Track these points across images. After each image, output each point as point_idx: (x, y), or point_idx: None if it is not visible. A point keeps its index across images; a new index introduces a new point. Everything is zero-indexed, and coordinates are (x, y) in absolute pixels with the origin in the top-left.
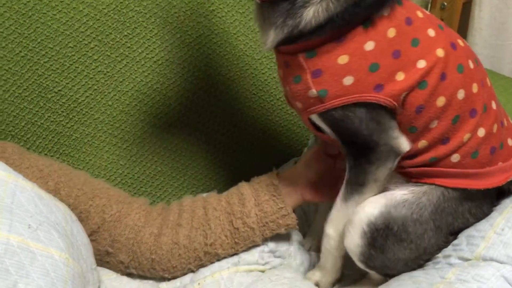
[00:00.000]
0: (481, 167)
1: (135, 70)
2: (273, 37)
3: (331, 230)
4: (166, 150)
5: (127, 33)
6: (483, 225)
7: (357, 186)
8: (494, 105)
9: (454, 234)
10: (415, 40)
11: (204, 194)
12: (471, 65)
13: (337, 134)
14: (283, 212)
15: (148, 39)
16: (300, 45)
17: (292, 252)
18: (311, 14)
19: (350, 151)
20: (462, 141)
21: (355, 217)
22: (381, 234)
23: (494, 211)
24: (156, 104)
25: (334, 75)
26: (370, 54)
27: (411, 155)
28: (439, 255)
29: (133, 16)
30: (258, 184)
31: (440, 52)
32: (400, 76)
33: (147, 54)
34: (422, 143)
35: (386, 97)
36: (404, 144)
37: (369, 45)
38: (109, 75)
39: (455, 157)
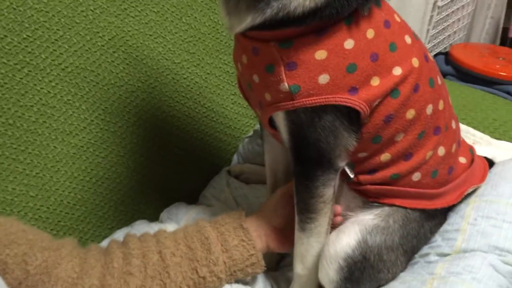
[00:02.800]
0: (439, 187)
1: (40, 80)
2: (249, 20)
3: (299, 267)
4: (81, 170)
5: (27, 35)
6: (453, 218)
7: (309, 214)
8: (453, 125)
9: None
10: (393, 45)
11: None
12: (439, 81)
13: (294, 141)
14: (253, 259)
15: (52, 43)
16: (276, 32)
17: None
18: None
19: (297, 164)
20: (425, 158)
21: (330, 249)
22: (358, 267)
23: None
24: (69, 120)
25: (310, 71)
26: (349, 53)
27: (372, 169)
28: (416, 255)
29: (33, 15)
30: (223, 227)
31: (415, 62)
32: (375, 81)
33: (52, 60)
34: (385, 156)
35: (361, 101)
36: (343, 162)
37: (349, 44)
38: (7, 87)
39: (417, 176)
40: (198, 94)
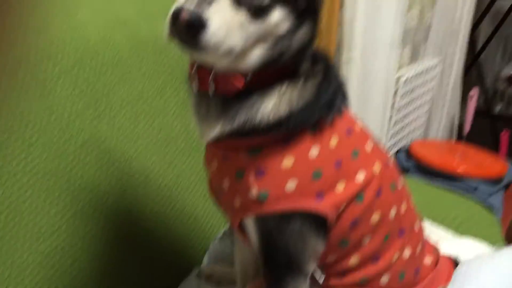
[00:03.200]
0: None
1: (11, 186)
2: (219, 128)
3: None
4: (46, 279)
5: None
6: None
7: None
8: (417, 226)
9: None
10: (355, 152)
11: None
12: (400, 185)
13: (263, 246)
14: None
15: (25, 149)
16: (245, 141)
17: None
18: (269, 107)
19: (267, 268)
20: (391, 260)
21: None
22: None
23: None
24: (37, 225)
25: (277, 178)
26: (314, 160)
27: (341, 272)
28: None
29: (7, 123)
30: None
31: (377, 168)
32: (340, 187)
33: (24, 165)
34: (354, 259)
35: (327, 207)
36: (312, 266)
37: (314, 151)
38: None
39: (385, 279)
40: (168, 196)
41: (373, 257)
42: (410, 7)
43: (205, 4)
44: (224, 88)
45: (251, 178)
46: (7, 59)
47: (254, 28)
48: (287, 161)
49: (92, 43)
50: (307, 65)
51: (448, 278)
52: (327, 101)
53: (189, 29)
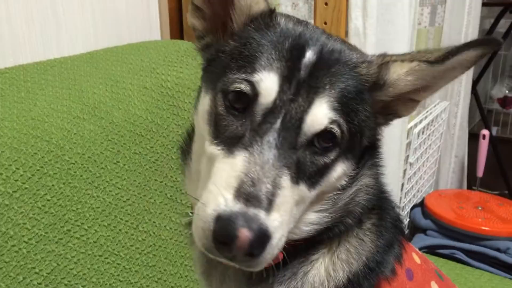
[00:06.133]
0: None
1: None
2: None
3: None
4: None
5: None
6: None
7: None
8: None
9: None
10: None
11: None
12: None
13: None
14: None
15: None
16: None
17: None
18: (321, 274)
19: None
20: None
21: None
22: None
23: None
24: None
25: None
26: None
27: None
28: None
29: None
30: None
31: None
32: None
33: None
34: None
35: None
36: None
37: None
38: None
39: None
40: (159, 267)
41: None
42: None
43: (263, 206)
44: None
45: None
46: None
47: (313, 193)
48: None
49: (54, 141)
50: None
51: None
52: (383, 249)
53: (249, 248)
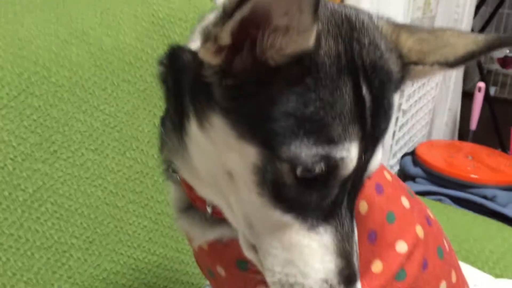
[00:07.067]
0: None
1: None
2: (218, 233)
3: None
4: None
5: None
6: None
7: None
8: None
9: None
10: (391, 215)
11: None
12: (446, 246)
13: None
14: None
15: None
16: None
17: None
18: None
19: None
20: None
21: None
22: None
23: None
24: None
25: None
26: None
27: None
28: None
29: None
30: None
31: (419, 231)
32: (377, 267)
33: None
34: None
35: None
36: None
37: None
38: None
39: None
40: (147, 240)
41: None
42: None
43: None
44: None
45: (258, 271)
46: None
47: None
48: None
49: (41, 63)
50: None
51: None
52: None
53: None
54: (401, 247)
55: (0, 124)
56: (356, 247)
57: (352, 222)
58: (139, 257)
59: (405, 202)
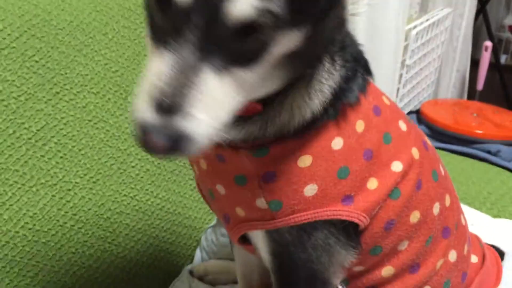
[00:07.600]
0: None
1: None
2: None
3: None
4: None
5: None
6: None
7: None
8: (463, 221)
9: None
10: (387, 136)
11: None
12: (442, 171)
13: (277, 263)
14: None
15: None
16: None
17: None
18: (317, 103)
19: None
20: (434, 268)
21: None
22: None
23: None
24: None
25: (292, 182)
26: (338, 155)
27: (371, 286)
28: None
29: None
30: None
31: (415, 153)
32: (373, 184)
33: None
34: (387, 270)
35: (359, 211)
36: (338, 280)
37: (338, 143)
38: None
39: None
40: (150, 184)
41: (412, 266)
42: None
43: (179, 110)
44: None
45: (258, 185)
46: None
47: (257, 73)
48: (304, 160)
49: (41, 6)
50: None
51: (497, 278)
52: (346, 78)
53: (167, 152)
54: (396, 166)
55: (3, 63)
56: (195, 87)
57: (197, 60)
58: (142, 199)
59: (402, 125)
